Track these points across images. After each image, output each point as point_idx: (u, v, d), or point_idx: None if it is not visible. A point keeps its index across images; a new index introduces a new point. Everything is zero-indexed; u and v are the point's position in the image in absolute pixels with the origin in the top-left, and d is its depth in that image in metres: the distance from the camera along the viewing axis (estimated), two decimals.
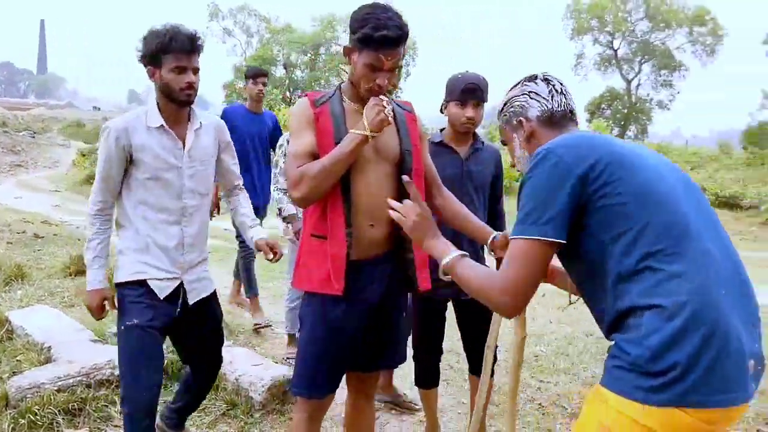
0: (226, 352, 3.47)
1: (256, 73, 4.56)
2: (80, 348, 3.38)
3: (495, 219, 2.82)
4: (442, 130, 2.81)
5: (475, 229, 2.18)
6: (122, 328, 2.15)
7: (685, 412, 1.22)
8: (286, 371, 3.27)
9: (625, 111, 36.84)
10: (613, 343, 1.36)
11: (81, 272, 5.40)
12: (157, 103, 2.21)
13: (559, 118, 1.60)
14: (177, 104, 2.19)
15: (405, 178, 1.78)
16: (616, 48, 38.36)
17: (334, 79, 41.06)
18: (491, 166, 2.82)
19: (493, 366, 2.20)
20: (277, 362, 3.68)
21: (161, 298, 2.22)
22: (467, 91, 2.60)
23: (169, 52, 2.10)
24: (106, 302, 2.25)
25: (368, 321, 2.04)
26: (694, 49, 36.72)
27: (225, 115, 4.30)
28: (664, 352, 1.23)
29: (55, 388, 2.95)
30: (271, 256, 2.48)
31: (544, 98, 1.60)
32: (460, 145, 2.73)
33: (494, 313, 2.08)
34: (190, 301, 2.32)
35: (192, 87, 2.16)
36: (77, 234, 7.70)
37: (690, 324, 1.23)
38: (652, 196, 1.33)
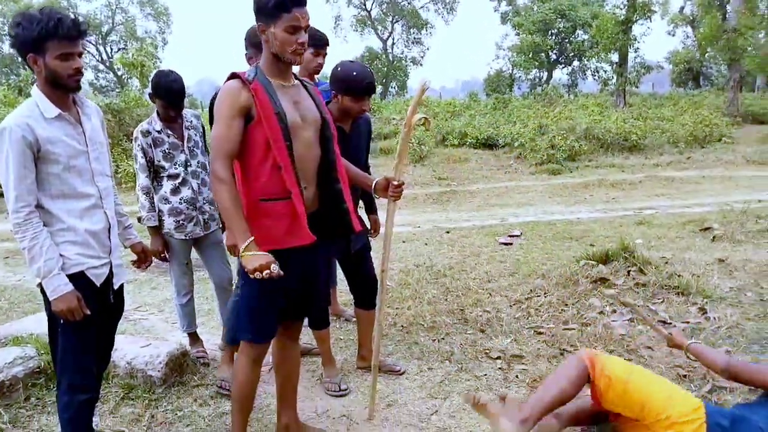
0: None
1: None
2: None
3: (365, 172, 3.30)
4: (327, 102, 2.96)
5: (360, 180, 2.66)
6: (62, 321, 2.13)
7: None
8: (178, 345, 3.39)
9: (385, 69, 39.44)
10: None
11: None
12: (43, 92, 2.11)
13: None
14: (65, 91, 2.13)
15: None
16: (369, 9, 40.56)
17: None
18: (366, 134, 3.29)
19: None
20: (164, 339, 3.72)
21: (98, 286, 2.24)
22: (367, 90, 2.90)
23: (54, 38, 2.02)
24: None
25: (307, 269, 2.35)
26: (436, 8, 40.57)
27: None
28: None
29: None
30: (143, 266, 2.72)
31: None
32: (345, 123, 3.04)
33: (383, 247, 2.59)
34: (116, 285, 2.37)
35: (80, 72, 2.11)
36: None
37: None
38: None
